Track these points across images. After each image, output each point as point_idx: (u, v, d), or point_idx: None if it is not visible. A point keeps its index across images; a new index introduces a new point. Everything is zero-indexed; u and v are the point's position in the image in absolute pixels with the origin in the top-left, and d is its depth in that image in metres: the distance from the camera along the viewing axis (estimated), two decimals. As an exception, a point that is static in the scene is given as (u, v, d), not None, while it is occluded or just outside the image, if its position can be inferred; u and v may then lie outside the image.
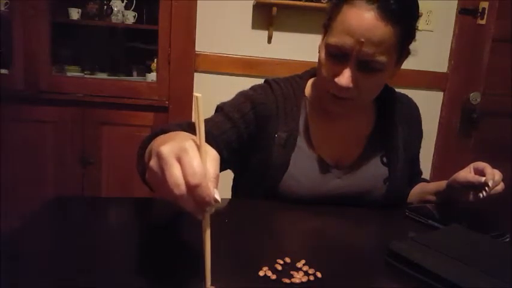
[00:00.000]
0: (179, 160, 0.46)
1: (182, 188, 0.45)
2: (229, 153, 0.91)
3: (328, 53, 0.84)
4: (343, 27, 0.80)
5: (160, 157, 0.47)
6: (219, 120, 0.91)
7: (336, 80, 0.82)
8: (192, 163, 0.45)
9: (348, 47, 0.79)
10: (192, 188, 0.45)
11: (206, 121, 0.90)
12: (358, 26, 0.78)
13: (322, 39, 0.88)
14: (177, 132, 0.63)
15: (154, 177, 0.48)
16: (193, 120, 0.54)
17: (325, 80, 0.85)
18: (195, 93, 0.47)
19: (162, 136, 0.64)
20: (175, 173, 0.45)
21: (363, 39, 0.77)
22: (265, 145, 0.92)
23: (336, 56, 0.82)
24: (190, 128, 0.83)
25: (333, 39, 0.82)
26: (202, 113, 0.47)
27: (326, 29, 0.86)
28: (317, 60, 0.88)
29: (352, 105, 0.88)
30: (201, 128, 0.47)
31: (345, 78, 0.81)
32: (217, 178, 0.47)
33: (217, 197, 0.47)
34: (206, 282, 0.52)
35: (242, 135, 0.92)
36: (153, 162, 0.48)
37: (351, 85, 0.81)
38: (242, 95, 0.95)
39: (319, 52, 0.87)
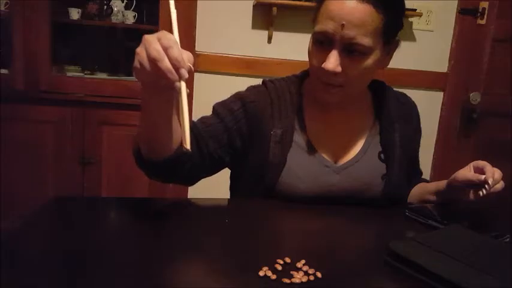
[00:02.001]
0: (159, 40, 0.62)
1: (160, 50, 0.61)
2: (216, 144, 0.91)
3: (315, 41, 0.87)
4: (325, 14, 0.83)
5: (144, 40, 0.63)
6: (207, 117, 0.94)
7: (323, 65, 0.83)
8: (167, 35, 0.63)
9: (331, 31, 0.82)
10: (167, 49, 0.61)
11: (203, 119, 0.95)
12: (339, 10, 0.81)
13: None
14: None
15: (139, 58, 0.63)
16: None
17: (314, 68, 0.88)
18: None
19: None
20: (156, 45, 0.62)
21: (343, 22, 0.80)
22: (262, 143, 0.93)
23: (322, 42, 0.85)
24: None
25: (317, 27, 0.85)
26: (174, 12, 0.67)
27: (314, 23, 0.88)
28: None
29: (343, 94, 0.89)
30: (173, 19, 0.66)
31: (331, 62, 0.83)
32: (190, 58, 0.65)
33: (191, 66, 0.64)
34: (185, 142, 0.64)
35: (230, 130, 0.93)
36: (138, 48, 0.64)
37: (338, 68, 0.83)
38: (235, 95, 0.98)
39: (308, 45, 0.90)
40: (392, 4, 0.85)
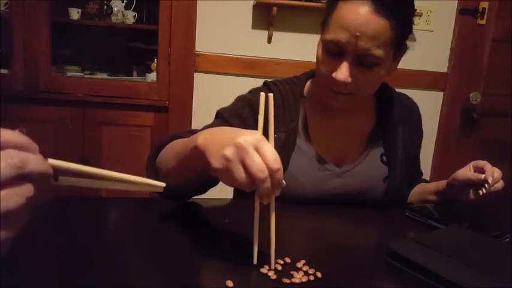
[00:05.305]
0: (257, 149, 0.54)
1: (266, 172, 0.53)
2: None
3: (325, 50, 0.84)
4: (338, 22, 0.81)
5: (239, 147, 0.54)
6: (212, 124, 0.91)
7: (334, 75, 0.82)
8: (271, 151, 0.54)
9: (344, 42, 0.80)
10: (273, 172, 0.53)
11: (206, 128, 0.90)
12: (353, 21, 0.78)
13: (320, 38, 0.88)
14: (222, 127, 0.66)
15: (231, 166, 0.54)
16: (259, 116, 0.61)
17: (323, 76, 0.86)
18: (269, 94, 0.60)
19: (207, 130, 0.64)
20: (258, 160, 0.53)
21: (358, 34, 0.78)
22: None
23: (332, 51, 0.83)
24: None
25: (329, 35, 0.82)
26: (272, 110, 0.60)
27: (323, 28, 0.86)
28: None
29: (352, 101, 0.88)
30: (270, 123, 0.60)
31: (342, 72, 0.81)
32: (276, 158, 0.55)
33: (284, 182, 0.56)
34: (271, 262, 0.60)
35: None
36: (230, 152, 0.54)
37: (349, 80, 0.81)
38: (241, 99, 0.96)
39: (317, 50, 0.88)
40: (404, 14, 0.83)
